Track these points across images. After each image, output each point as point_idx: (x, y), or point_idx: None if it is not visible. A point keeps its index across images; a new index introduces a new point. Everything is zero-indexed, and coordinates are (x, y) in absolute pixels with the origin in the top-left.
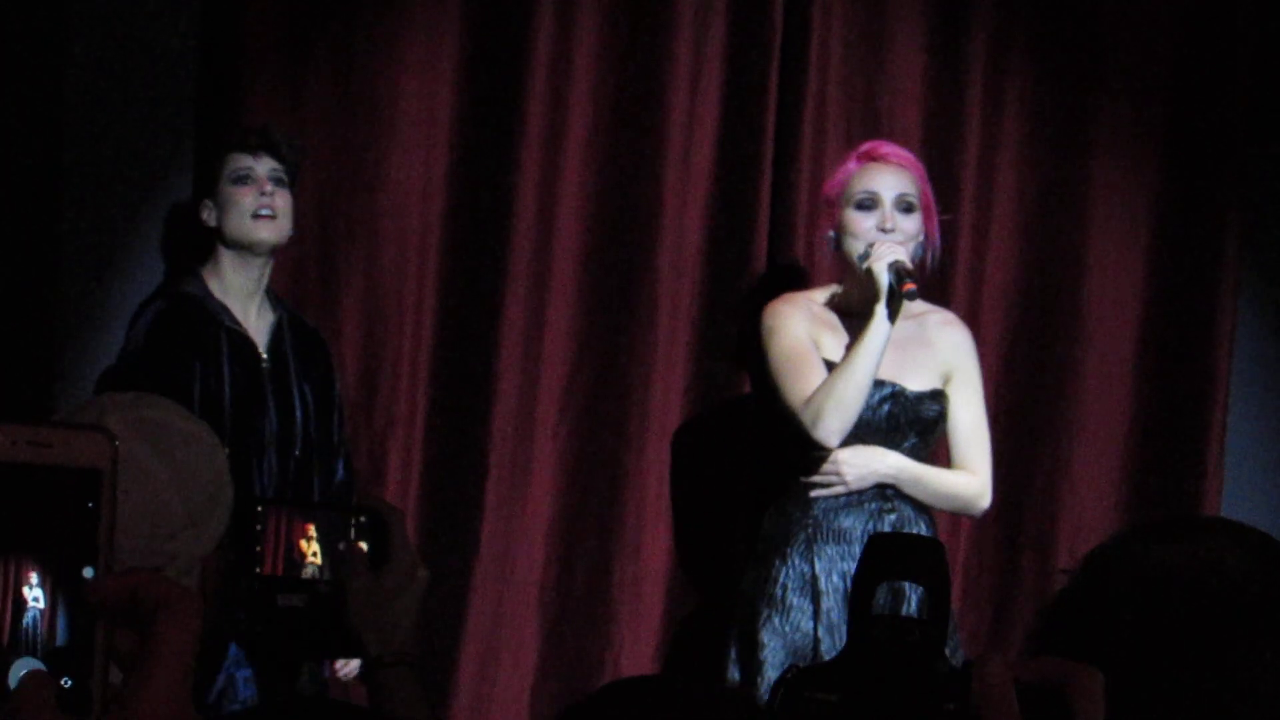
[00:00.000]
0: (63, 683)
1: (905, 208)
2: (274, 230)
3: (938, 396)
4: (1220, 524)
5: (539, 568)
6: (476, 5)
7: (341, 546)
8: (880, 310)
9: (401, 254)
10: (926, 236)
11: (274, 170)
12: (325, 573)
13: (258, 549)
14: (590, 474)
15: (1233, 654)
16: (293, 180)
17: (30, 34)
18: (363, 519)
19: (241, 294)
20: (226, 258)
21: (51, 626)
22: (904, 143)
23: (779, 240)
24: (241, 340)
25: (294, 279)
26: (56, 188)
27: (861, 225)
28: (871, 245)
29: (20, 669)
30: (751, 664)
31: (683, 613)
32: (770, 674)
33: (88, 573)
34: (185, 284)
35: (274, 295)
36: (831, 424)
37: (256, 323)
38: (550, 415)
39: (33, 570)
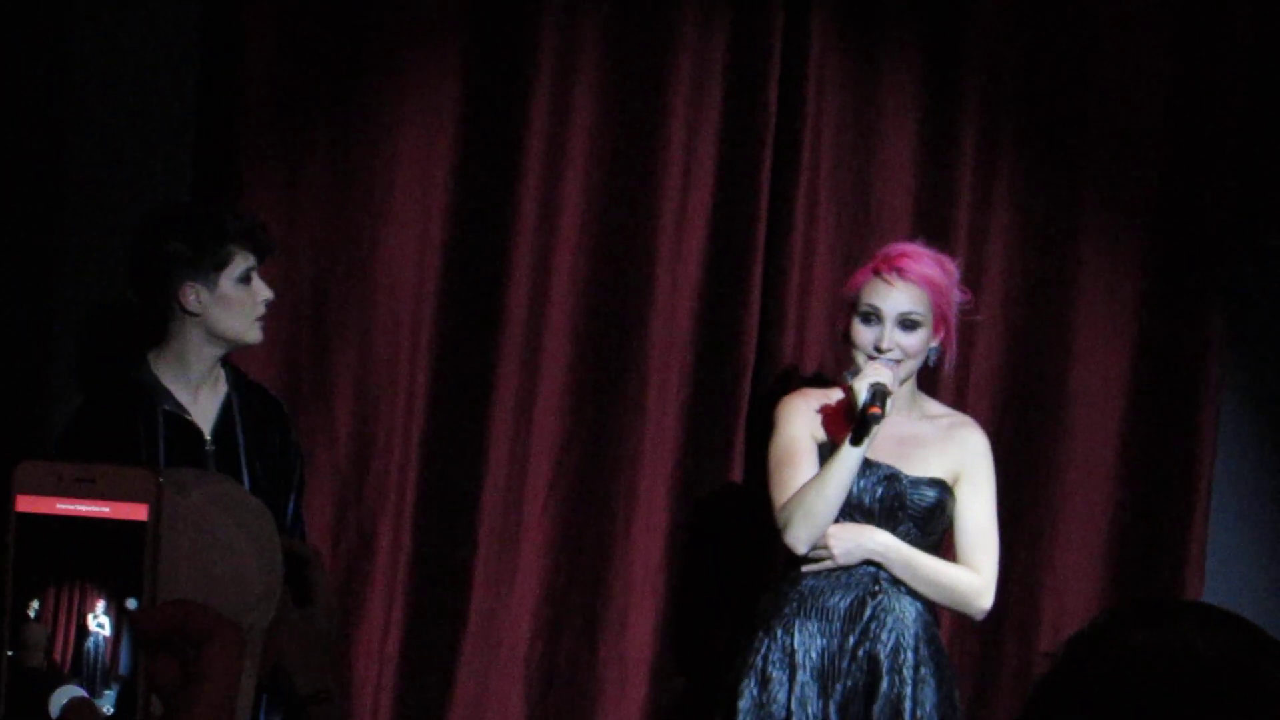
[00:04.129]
0: (105, 710)
1: (909, 325)
2: (264, 329)
3: (936, 484)
4: (1193, 608)
5: (525, 642)
6: (473, 83)
7: None
8: (853, 428)
9: (394, 329)
10: (942, 344)
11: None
12: None
13: None
14: (578, 550)
15: None
16: None
17: (28, 117)
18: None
19: (194, 379)
20: (195, 344)
21: (115, 654)
22: (893, 231)
23: (769, 325)
24: (181, 424)
25: (287, 354)
26: (52, 265)
27: (862, 337)
28: (868, 360)
29: (62, 697)
30: None
31: (667, 692)
32: None
33: (131, 604)
34: (127, 368)
35: (230, 370)
36: (799, 533)
37: (203, 405)
38: (540, 491)
39: (99, 599)
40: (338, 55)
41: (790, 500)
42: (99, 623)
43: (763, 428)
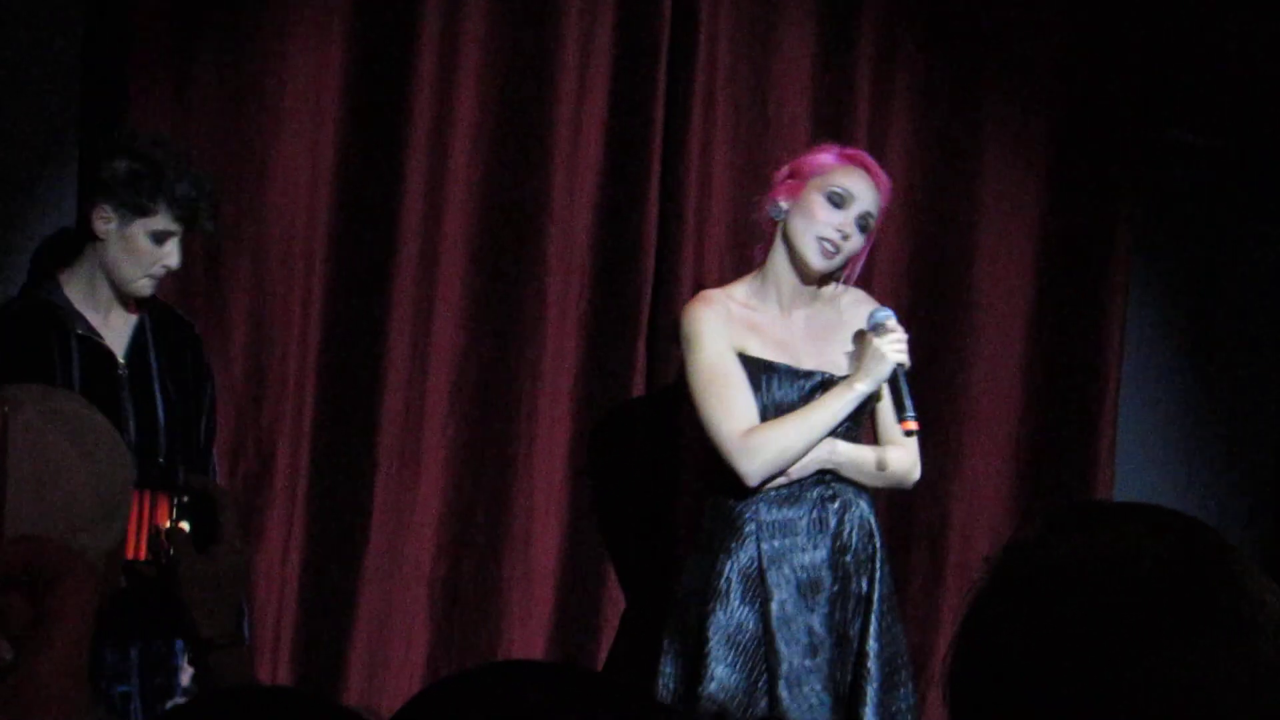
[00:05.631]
0: None
1: (864, 226)
2: (155, 287)
3: None
4: (1140, 509)
5: (429, 561)
6: None
7: (166, 527)
8: (863, 387)
9: (288, 247)
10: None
11: (184, 236)
12: (150, 555)
13: None
14: (479, 467)
15: (1152, 647)
16: None
17: None
18: (185, 499)
19: (103, 301)
20: (99, 273)
21: None
22: (791, 135)
23: (667, 234)
24: (94, 348)
25: (180, 273)
26: None
27: (824, 216)
28: (884, 323)
29: None
30: (696, 658)
31: (572, 607)
32: (717, 668)
33: None
34: (40, 289)
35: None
36: (763, 470)
37: (116, 327)
38: (439, 408)
39: None
40: None
41: (763, 434)
42: None
43: (663, 338)
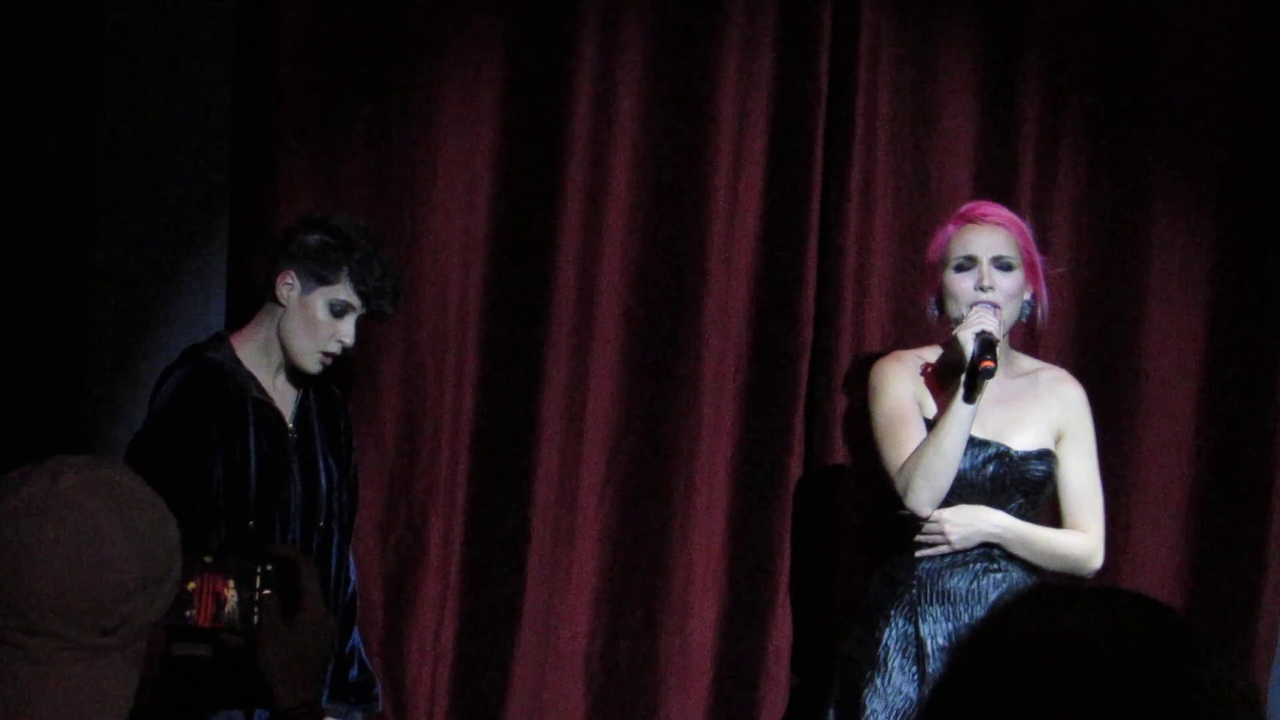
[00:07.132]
0: None
1: (1004, 267)
2: (324, 368)
3: (1045, 456)
4: (1101, 593)
5: (584, 636)
6: (515, 66)
7: (248, 595)
8: (963, 381)
9: (441, 319)
10: (1034, 295)
11: (362, 317)
12: (236, 623)
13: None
14: (635, 541)
15: None
16: None
17: (64, 101)
18: (269, 567)
19: (272, 366)
20: (275, 339)
21: None
22: (953, 205)
23: (825, 305)
24: (269, 411)
25: None
26: (89, 254)
27: (960, 286)
28: (971, 308)
29: None
30: None
31: (730, 682)
32: None
33: None
34: (211, 350)
35: None
36: (921, 495)
37: (283, 392)
38: (594, 481)
39: None
40: (374, 39)
41: (907, 463)
42: None
43: (822, 410)
